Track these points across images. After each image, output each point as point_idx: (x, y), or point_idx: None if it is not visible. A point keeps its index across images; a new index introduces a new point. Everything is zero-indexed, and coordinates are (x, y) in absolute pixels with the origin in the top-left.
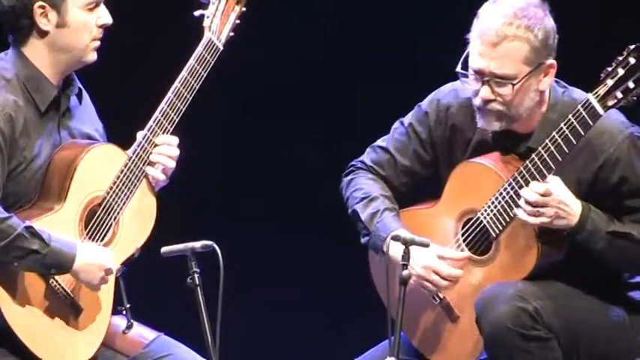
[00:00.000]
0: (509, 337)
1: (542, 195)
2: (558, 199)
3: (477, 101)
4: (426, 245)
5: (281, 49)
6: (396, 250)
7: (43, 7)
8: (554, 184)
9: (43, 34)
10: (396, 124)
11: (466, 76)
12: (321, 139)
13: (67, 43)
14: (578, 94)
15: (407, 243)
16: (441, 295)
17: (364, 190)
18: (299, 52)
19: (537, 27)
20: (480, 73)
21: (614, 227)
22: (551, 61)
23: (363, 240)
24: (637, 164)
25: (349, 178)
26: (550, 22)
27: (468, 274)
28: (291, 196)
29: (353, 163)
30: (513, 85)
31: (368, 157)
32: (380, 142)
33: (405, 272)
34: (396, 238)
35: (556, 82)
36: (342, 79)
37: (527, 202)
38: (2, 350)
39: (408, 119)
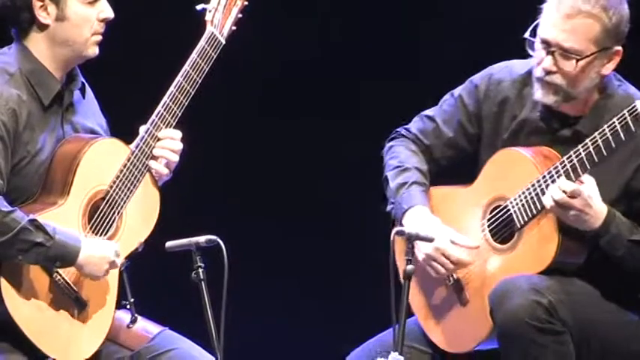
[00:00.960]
0: (524, 330)
1: (569, 195)
2: (585, 202)
3: (538, 72)
4: (430, 240)
5: (281, 47)
6: (410, 221)
7: (42, 0)
8: (586, 186)
9: (43, 27)
10: (446, 96)
11: (532, 45)
12: (323, 137)
13: (67, 37)
14: (633, 90)
15: (411, 238)
16: (455, 276)
17: (400, 159)
18: (298, 50)
19: (613, 10)
20: (546, 43)
21: (637, 236)
22: (619, 47)
23: (387, 207)
24: None
25: (391, 144)
26: (626, 9)
27: (486, 260)
28: (294, 194)
29: (398, 129)
30: (578, 60)
31: (414, 125)
32: (428, 111)
33: (410, 267)
34: (400, 234)
35: (613, 74)
36: (344, 76)
37: (552, 198)
38: (6, 345)
39: (458, 91)
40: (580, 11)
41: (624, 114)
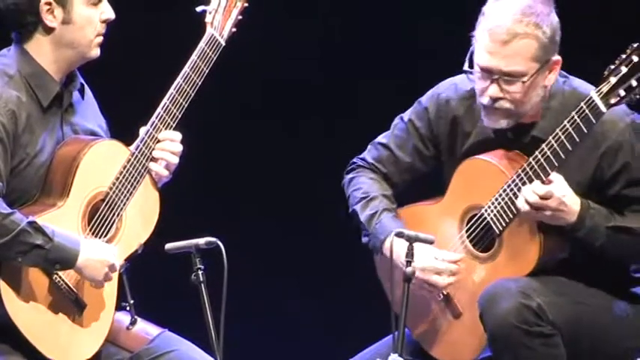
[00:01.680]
0: (513, 333)
1: (542, 197)
2: (559, 201)
3: (484, 100)
4: (430, 242)
5: (281, 47)
6: (397, 247)
7: (49, 3)
8: (557, 185)
9: (49, 30)
10: (396, 120)
11: (472, 74)
12: (323, 137)
13: (73, 40)
14: (578, 82)
15: (411, 240)
16: (444, 292)
17: (363, 189)
18: (298, 51)
19: (545, 24)
20: (488, 71)
21: (613, 222)
22: (557, 57)
23: (363, 239)
24: (639, 151)
25: (350, 176)
26: (555, 18)
27: (471, 271)
28: (293, 194)
29: (354, 160)
30: (523, 82)
31: (369, 154)
32: (380, 138)
33: (409, 269)
34: (399, 235)
35: None
36: (344, 76)
37: (527, 202)
38: (6, 346)
39: (407, 115)
40: (516, 34)
41: (582, 107)
